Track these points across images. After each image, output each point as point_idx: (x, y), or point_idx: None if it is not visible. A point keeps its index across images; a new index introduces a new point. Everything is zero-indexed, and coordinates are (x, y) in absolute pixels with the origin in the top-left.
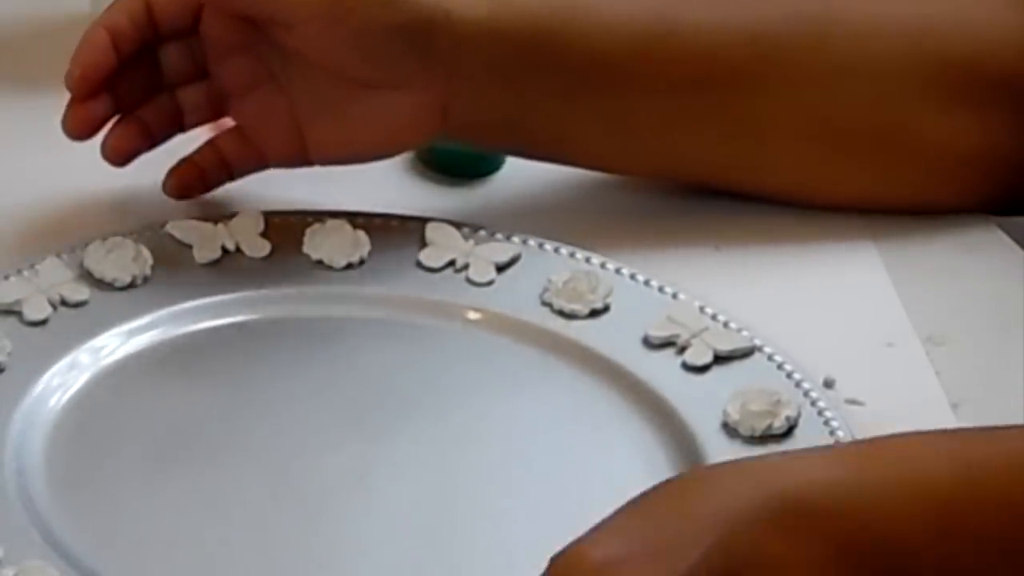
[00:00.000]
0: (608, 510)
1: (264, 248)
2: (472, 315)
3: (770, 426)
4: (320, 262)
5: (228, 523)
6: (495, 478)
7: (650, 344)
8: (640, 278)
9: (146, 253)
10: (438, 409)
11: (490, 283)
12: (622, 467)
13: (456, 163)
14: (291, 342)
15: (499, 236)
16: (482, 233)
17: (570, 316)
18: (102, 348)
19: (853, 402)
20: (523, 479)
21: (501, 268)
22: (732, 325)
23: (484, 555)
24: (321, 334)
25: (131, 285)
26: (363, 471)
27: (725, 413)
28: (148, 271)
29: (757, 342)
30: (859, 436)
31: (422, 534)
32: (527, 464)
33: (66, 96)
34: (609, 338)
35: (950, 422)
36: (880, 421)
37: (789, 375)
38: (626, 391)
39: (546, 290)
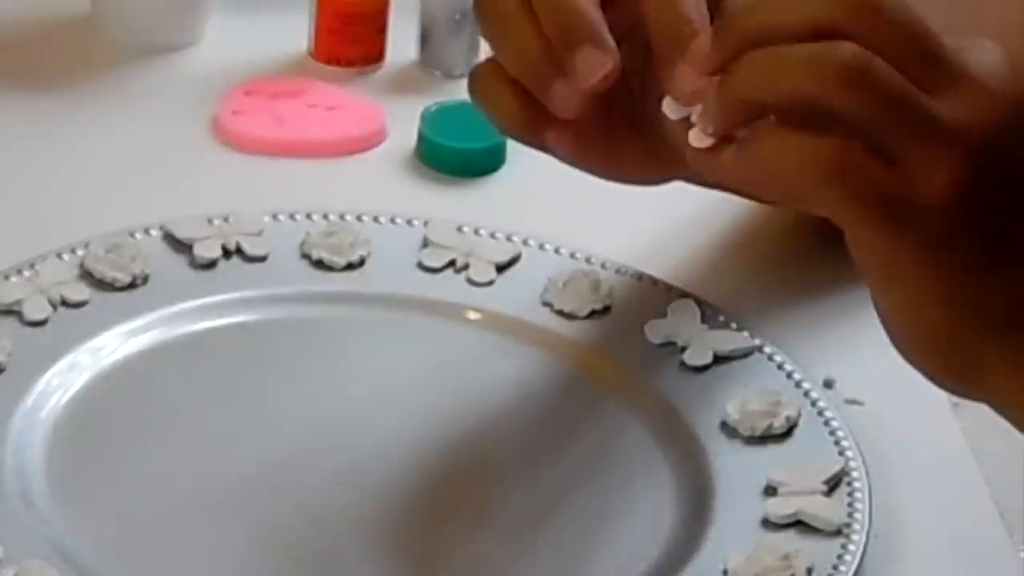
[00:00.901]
0: (606, 509)
1: (264, 247)
2: (472, 315)
3: (770, 426)
4: (320, 262)
5: (228, 523)
6: (495, 478)
7: (650, 344)
8: (640, 278)
9: (146, 252)
10: (438, 410)
11: (490, 283)
12: (622, 467)
13: (456, 161)
14: (291, 343)
15: (499, 236)
16: (482, 233)
17: (570, 316)
18: (102, 348)
19: (853, 402)
20: (522, 479)
21: (501, 268)
22: (732, 325)
23: (484, 554)
24: (321, 335)
25: (131, 285)
26: (363, 470)
27: (725, 413)
28: (148, 271)
29: (757, 342)
30: (859, 436)
31: (422, 535)
32: (526, 464)
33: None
34: (609, 338)
35: (950, 422)
36: (880, 421)
37: (789, 375)
38: (626, 391)
39: (546, 290)
